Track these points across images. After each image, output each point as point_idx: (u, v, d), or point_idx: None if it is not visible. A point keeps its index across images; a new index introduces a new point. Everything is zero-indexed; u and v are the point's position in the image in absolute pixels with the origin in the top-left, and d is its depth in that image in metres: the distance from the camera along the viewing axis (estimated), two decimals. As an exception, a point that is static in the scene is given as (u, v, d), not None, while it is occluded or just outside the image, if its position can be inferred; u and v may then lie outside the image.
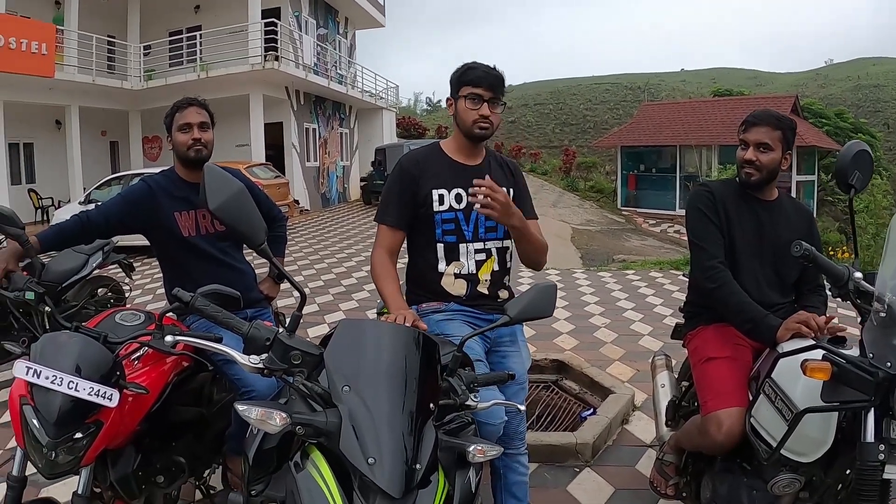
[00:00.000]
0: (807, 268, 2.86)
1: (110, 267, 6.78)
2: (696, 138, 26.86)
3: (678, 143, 27.67)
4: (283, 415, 1.65)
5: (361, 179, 27.89)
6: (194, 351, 2.92)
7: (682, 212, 24.00)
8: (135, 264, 7.21)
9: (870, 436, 2.13)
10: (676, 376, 3.86)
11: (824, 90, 59.76)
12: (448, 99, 2.86)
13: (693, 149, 27.05)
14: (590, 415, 4.69)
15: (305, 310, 1.93)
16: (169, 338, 2.02)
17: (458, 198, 2.82)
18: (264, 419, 1.64)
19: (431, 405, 1.80)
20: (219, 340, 2.05)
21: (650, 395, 4.34)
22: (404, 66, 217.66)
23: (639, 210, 28.45)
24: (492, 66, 2.79)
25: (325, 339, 1.97)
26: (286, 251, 4.05)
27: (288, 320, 1.92)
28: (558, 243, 15.15)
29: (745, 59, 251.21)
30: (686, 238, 3.12)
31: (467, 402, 1.94)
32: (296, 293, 2.10)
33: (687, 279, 3.34)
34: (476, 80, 2.73)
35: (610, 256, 14.85)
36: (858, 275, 2.41)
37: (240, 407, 1.66)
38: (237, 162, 17.00)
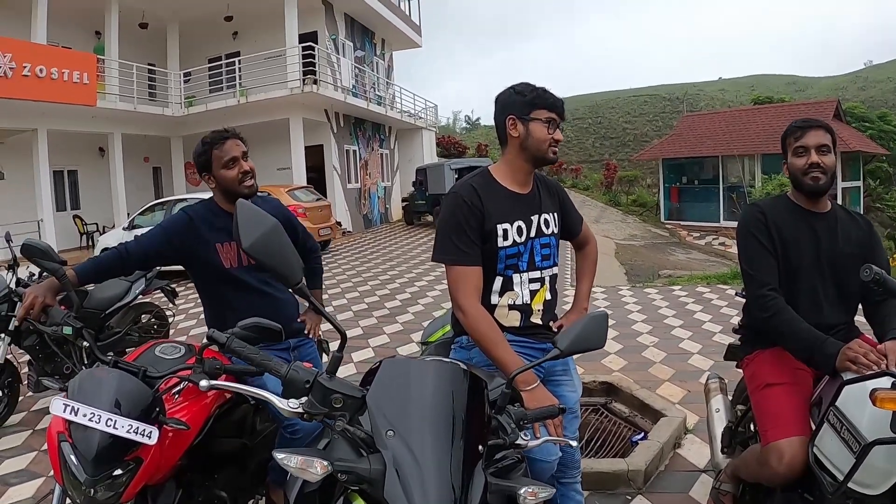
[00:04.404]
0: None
1: (154, 293, 6.83)
2: (739, 148, 26.57)
3: (720, 154, 27.40)
4: (324, 463, 1.57)
5: (403, 200, 27.98)
6: (237, 381, 2.88)
7: (727, 223, 23.89)
8: (178, 289, 7.23)
9: None
10: (730, 398, 3.72)
11: (865, 93, 58.82)
12: (510, 117, 2.69)
13: (736, 159, 26.72)
14: (640, 439, 4.56)
15: (349, 333, 1.85)
16: (204, 383, 1.96)
17: (520, 231, 2.70)
18: (304, 468, 1.56)
19: (480, 447, 1.71)
20: (260, 374, 1.99)
21: (702, 416, 4.22)
22: (442, 85, 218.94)
23: (682, 223, 28.18)
24: None
25: (367, 376, 1.90)
26: (324, 280, 3.97)
27: (328, 359, 1.85)
28: (602, 260, 14.94)
29: (782, 64, 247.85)
30: (730, 250, 3.00)
31: (517, 442, 1.85)
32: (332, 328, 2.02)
33: (741, 299, 3.22)
34: (553, 104, 2.66)
35: (655, 272, 14.67)
36: None
37: (279, 455, 1.59)
38: (279, 186, 17.16)
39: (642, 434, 4.69)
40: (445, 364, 1.91)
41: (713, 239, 25.25)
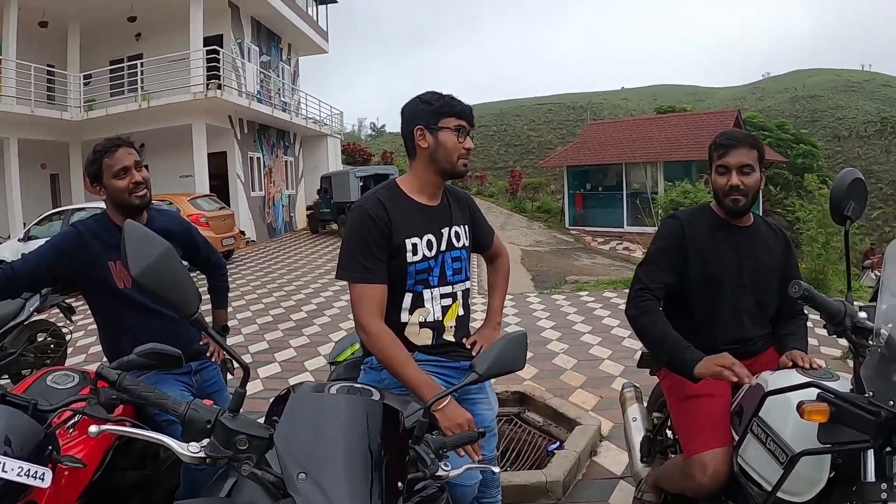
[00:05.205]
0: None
1: (49, 309, 6.48)
2: (642, 156, 27.26)
3: (624, 161, 28.01)
4: None
5: (308, 208, 27.60)
6: (136, 410, 2.70)
7: (631, 228, 24.47)
8: (74, 305, 6.87)
9: (870, 475, 2.02)
10: (646, 405, 3.73)
11: (762, 103, 61.56)
12: (418, 128, 2.58)
13: (639, 166, 27.39)
14: (556, 448, 4.55)
15: (254, 347, 1.73)
16: (93, 428, 1.75)
17: (430, 244, 2.61)
18: None
19: (400, 484, 1.62)
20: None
21: (616, 423, 4.23)
22: (348, 92, 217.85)
23: (587, 229, 28.65)
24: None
25: (274, 405, 1.78)
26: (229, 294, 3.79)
27: (233, 378, 1.72)
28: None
29: (684, 75, 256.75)
30: (634, 255, 3.00)
31: (437, 473, 1.77)
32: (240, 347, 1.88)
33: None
34: (461, 111, 2.57)
35: (562, 277, 14.79)
36: (863, 315, 2.25)
37: None
38: (181, 194, 16.69)
39: (558, 443, 4.68)
40: (358, 398, 1.80)
41: (617, 244, 25.73)
